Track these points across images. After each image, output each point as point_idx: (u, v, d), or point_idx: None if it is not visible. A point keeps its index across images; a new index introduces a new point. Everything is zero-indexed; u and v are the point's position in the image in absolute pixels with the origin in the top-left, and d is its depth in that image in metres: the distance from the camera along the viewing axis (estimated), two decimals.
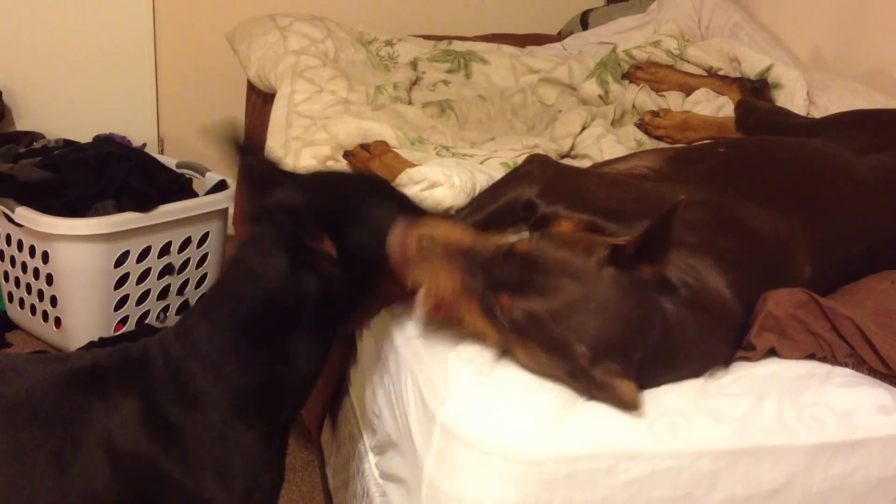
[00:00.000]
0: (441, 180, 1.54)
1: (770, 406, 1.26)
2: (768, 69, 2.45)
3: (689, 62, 2.58)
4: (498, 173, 1.70)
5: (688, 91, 2.48)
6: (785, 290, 1.40)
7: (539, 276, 1.22)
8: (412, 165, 1.89)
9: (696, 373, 1.30)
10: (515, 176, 1.63)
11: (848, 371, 1.34)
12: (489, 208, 1.58)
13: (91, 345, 2.62)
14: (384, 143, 1.99)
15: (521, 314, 1.22)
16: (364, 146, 1.99)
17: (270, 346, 1.29)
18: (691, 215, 1.43)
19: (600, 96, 2.48)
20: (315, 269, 1.26)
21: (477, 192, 1.58)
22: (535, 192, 1.53)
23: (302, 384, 1.35)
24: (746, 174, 1.63)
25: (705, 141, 2.18)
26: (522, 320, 1.22)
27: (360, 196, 1.31)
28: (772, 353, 1.37)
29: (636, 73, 2.53)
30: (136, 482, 1.25)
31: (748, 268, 1.40)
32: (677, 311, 1.27)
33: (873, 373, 1.34)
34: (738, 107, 2.24)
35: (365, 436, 1.59)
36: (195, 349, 1.28)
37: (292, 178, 1.33)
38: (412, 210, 1.37)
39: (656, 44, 2.63)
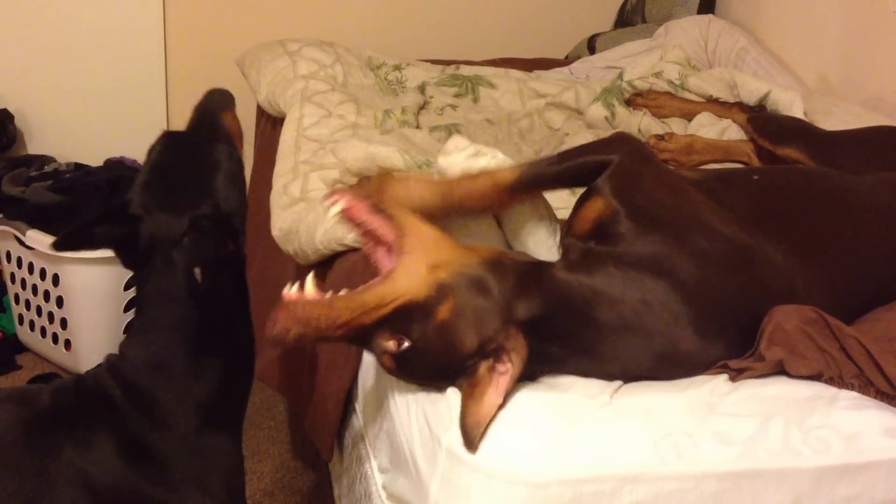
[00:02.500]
0: (485, 151, 1.52)
1: (776, 428, 1.26)
2: (766, 95, 2.46)
3: (689, 91, 2.59)
4: None
5: (689, 116, 2.50)
6: (793, 306, 1.41)
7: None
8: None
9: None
10: (600, 146, 1.63)
11: (854, 394, 1.34)
12: (566, 165, 1.57)
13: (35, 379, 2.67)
14: (389, 175, 2.00)
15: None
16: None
17: (217, 350, 1.32)
18: (704, 245, 1.43)
19: (606, 118, 2.50)
20: (227, 267, 1.31)
21: None
22: (603, 166, 1.54)
23: (249, 366, 1.39)
24: (775, 206, 1.62)
25: (731, 165, 2.20)
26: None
27: (211, 178, 1.36)
28: (780, 366, 1.37)
29: (636, 99, 2.56)
30: None
31: (730, 311, 1.40)
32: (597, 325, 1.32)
33: (880, 395, 1.34)
34: (752, 121, 2.24)
35: (372, 457, 1.59)
36: (148, 375, 1.30)
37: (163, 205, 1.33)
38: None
39: (658, 74, 2.64)
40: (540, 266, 1.39)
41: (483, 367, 1.26)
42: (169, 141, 1.43)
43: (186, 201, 1.31)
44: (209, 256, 1.28)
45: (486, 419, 1.21)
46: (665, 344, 1.35)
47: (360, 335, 1.25)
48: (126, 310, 2.69)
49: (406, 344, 1.24)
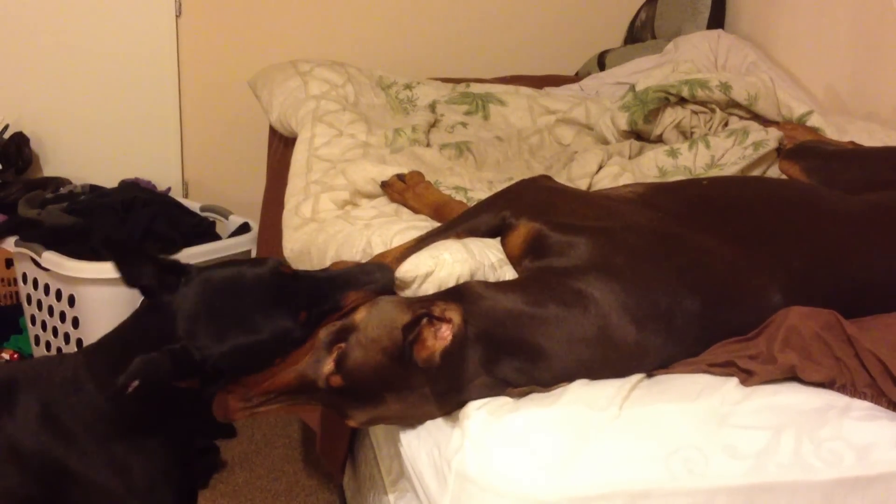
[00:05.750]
0: (430, 267, 1.48)
1: (788, 440, 1.26)
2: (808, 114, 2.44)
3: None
4: None
5: None
6: (810, 309, 1.42)
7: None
8: (443, 196, 1.92)
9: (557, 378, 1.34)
10: (501, 196, 1.71)
11: (867, 404, 1.33)
12: (465, 224, 1.66)
13: None
14: (419, 174, 2.03)
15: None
16: (400, 177, 2.03)
17: (161, 399, 1.36)
18: (633, 240, 1.48)
19: (624, 132, 2.48)
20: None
21: (475, 251, 1.54)
22: (509, 212, 1.61)
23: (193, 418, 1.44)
24: (719, 206, 1.66)
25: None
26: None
27: (230, 334, 1.31)
28: (792, 371, 1.36)
29: (782, 126, 2.38)
30: (42, 479, 1.34)
31: (674, 296, 1.42)
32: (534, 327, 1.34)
33: (893, 405, 1.33)
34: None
35: (384, 476, 1.60)
36: (100, 378, 1.37)
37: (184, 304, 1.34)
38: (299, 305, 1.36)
39: (704, 84, 2.46)
40: (463, 286, 1.43)
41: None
42: (275, 274, 1.38)
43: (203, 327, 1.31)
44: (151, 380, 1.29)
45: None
46: (603, 338, 1.36)
47: (301, 380, 1.30)
48: None
49: (343, 345, 1.29)
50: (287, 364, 1.31)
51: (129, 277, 1.35)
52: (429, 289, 1.46)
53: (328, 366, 1.29)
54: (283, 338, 1.31)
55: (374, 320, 1.31)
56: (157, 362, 1.26)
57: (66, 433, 1.35)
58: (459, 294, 1.38)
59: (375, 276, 1.38)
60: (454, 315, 1.28)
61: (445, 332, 1.27)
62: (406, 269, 1.48)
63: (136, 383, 1.24)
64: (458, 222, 1.68)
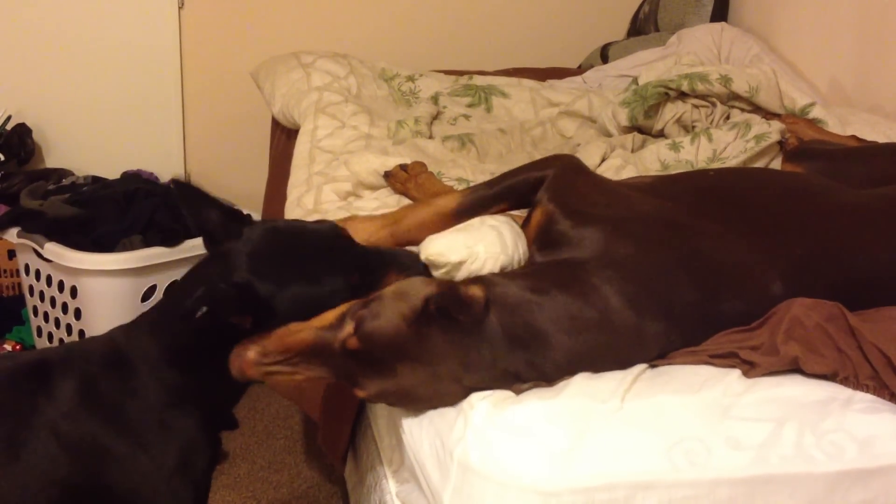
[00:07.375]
0: (463, 256, 1.49)
1: (790, 432, 1.25)
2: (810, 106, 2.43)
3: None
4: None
5: None
6: (813, 300, 1.42)
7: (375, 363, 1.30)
8: (445, 187, 1.92)
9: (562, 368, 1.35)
10: (538, 164, 1.73)
11: (869, 396, 1.33)
12: (505, 184, 1.68)
13: None
14: (421, 164, 2.03)
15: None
16: (403, 166, 2.03)
17: (201, 367, 1.38)
18: (638, 229, 1.50)
19: (625, 127, 2.47)
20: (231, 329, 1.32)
21: (508, 245, 1.55)
22: (542, 182, 1.63)
23: (229, 386, 1.43)
24: (724, 196, 1.66)
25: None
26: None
27: (292, 280, 1.34)
28: (794, 362, 1.36)
29: (784, 119, 2.39)
30: (80, 458, 1.34)
31: (674, 284, 1.43)
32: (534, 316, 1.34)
33: (895, 398, 1.33)
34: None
35: (385, 467, 1.60)
36: (141, 352, 1.38)
37: (246, 243, 1.36)
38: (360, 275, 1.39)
39: (704, 78, 2.46)
40: (479, 276, 1.45)
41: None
42: (335, 237, 1.42)
43: (267, 267, 1.34)
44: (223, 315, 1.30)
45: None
46: (604, 325, 1.37)
47: (319, 340, 1.30)
48: None
49: (364, 310, 1.29)
50: (307, 325, 1.32)
51: (197, 221, 1.37)
52: (457, 277, 1.48)
53: (347, 328, 1.29)
54: (336, 295, 1.35)
55: (399, 291, 1.32)
56: (226, 291, 1.28)
57: (104, 411, 1.36)
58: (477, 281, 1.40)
59: (419, 266, 1.45)
60: (478, 291, 1.30)
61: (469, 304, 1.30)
62: (438, 252, 1.49)
63: (204, 309, 1.25)
64: (502, 179, 1.70)
